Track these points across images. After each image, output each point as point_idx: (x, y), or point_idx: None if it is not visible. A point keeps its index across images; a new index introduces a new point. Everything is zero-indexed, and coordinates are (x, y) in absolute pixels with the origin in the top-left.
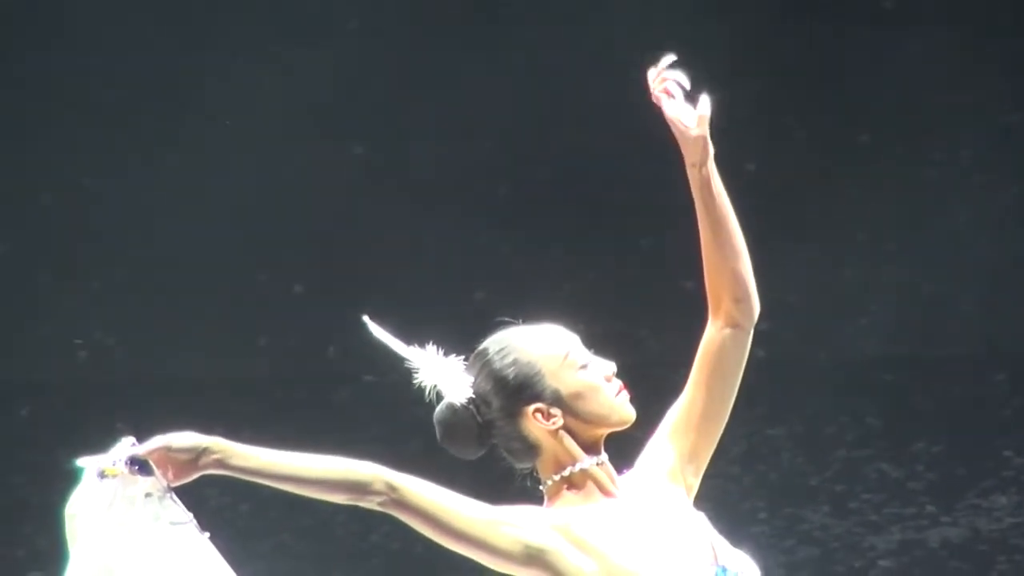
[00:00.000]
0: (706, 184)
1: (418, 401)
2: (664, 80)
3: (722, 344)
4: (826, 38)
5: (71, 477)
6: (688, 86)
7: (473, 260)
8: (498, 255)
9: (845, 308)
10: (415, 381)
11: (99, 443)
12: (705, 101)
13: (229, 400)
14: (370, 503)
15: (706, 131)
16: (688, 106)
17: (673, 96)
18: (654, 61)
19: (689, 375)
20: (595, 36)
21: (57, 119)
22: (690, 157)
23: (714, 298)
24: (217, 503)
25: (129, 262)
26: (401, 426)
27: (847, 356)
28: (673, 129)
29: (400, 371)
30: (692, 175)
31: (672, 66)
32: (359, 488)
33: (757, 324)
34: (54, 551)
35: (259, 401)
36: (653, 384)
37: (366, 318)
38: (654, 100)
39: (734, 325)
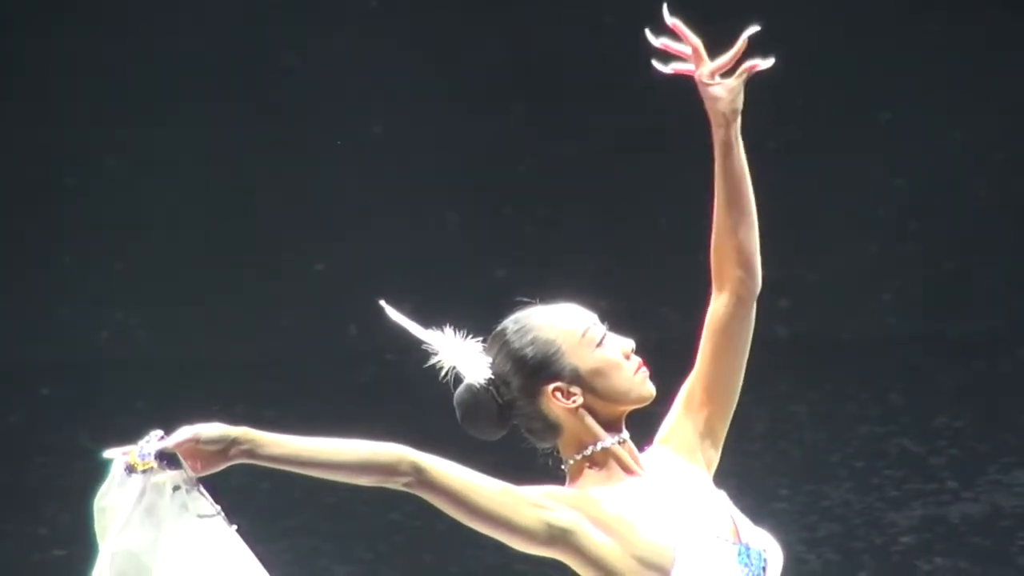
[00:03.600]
0: (729, 146)
1: (440, 380)
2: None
3: (728, 317)
4: (846, 17)
5: (92, 457)
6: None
7: (495, 238)
8: (520, 233)
9: (867, 285)
10: (434, 363)
11: (120, 424)
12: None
13: (251, 380)
14: (396, 484)
15: (741, 84)
16: (717, 63)
17: (700, 56)
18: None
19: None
20: (617, 13)
21: (79, 101)
22: (716, 116)
23: (718, 269)
24: (238, 482)
25: (150, 243)
26: (424, 405)
27: (869, 333)
28: (701, 88)
29: (421, 350)
30: (717, 135)
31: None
32: (386, 470)
33: (778, 301)
34: (76, 530)
35: (281, 380)
36: (675, 360)
37: (383, 302)
38: (680, 54)
39: (738, 298)
